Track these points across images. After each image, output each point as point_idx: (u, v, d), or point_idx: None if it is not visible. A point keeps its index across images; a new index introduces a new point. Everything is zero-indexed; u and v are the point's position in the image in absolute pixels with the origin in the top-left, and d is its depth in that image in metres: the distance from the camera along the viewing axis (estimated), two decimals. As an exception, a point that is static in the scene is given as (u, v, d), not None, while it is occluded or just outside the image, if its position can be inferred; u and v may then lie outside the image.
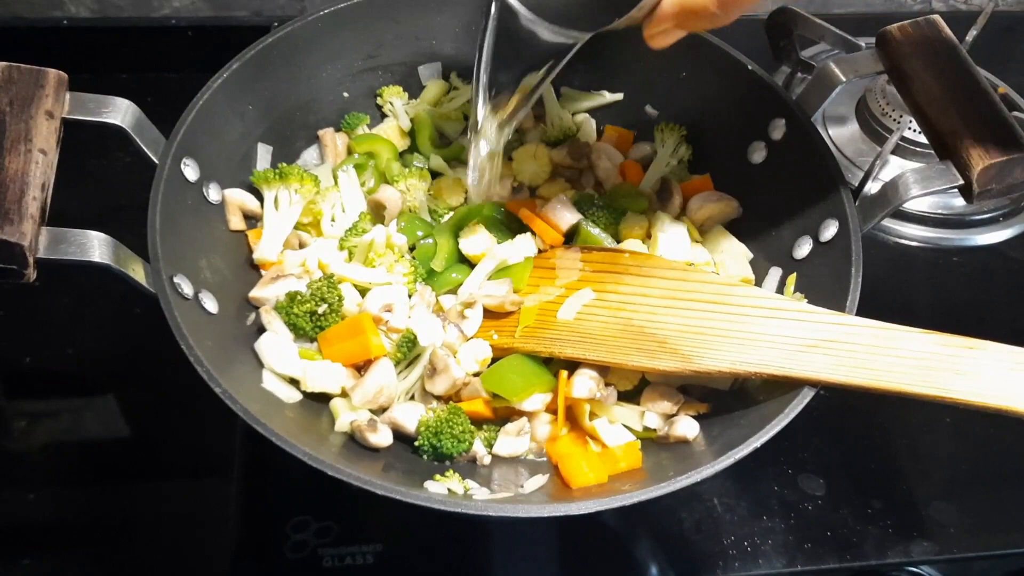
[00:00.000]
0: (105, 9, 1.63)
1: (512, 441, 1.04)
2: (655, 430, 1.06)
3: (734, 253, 1.19)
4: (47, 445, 1.17)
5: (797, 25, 1.50)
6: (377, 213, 1.18)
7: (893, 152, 1.41)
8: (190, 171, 1.05)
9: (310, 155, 1.28)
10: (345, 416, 1.00)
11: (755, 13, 1.71)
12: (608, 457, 1.02)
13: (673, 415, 1.06)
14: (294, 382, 1.03)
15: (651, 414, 1.06)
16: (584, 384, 1.04)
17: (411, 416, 1.01)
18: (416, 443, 1.01)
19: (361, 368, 1.05)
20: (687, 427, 1.02)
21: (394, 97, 1.30)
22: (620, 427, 1.07)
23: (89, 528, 1.10)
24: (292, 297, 1.05)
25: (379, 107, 1.32)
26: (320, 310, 1.05)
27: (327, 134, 1.26)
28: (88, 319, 1.27)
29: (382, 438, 0.98)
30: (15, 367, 1.24)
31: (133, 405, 1.21)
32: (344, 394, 1.03)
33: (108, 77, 1.59)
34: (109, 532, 1.09)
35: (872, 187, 1.37)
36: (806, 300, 1.04)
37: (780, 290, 1.13)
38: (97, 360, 1.25)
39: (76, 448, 1.18)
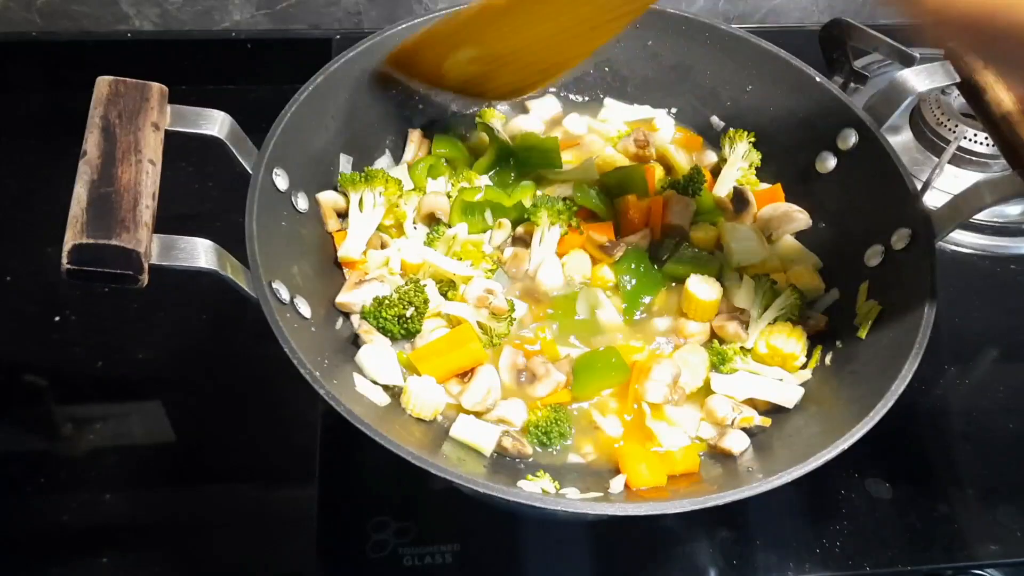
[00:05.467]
0: (168, 23, 1.66)
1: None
2: (706, 440, 1.08)
3: (804, 262, 1.21)
4: (123, 447, 1.19)
5: (851, 36, 1.52)
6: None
7: (948, 161, 1.43)
8: (281, 181, 1.07)
9: (382, 163, 1.31)
10: (486, 440, 1.04)
11: (806, 24, 1.76)
12: (667, 459, 1.05)
13: (729, 426, 1.08)
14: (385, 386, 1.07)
15: (706, 424, 1.09)
16: (658, 390, 1.07)
17: (518, 413, 1.07)
18: (527, 439, 1.07)
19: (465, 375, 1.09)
20: (735, 440, 1.05)
21: (493, 120, 1.33)
22: (679, 430, 1.09)
23: (168, 528, 1.12)
24: (380, 302, 1.09)
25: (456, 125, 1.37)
26: (408, 313, 1.08)
27: (415, 133, 1.31)
28: (157, 324, 1.29)
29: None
30: (89, 371, 1.26)
31: (208, 407, 1.23)
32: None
33: (170, 89, 1.61)
34: (190, 532, 1.11)
35: (930, 196, 1.40)
36: (880, 308, 1.06)
37: (852, 298, 1.14)
38: (168, 363, 1.27)
39: (152, 450, 1.20)
